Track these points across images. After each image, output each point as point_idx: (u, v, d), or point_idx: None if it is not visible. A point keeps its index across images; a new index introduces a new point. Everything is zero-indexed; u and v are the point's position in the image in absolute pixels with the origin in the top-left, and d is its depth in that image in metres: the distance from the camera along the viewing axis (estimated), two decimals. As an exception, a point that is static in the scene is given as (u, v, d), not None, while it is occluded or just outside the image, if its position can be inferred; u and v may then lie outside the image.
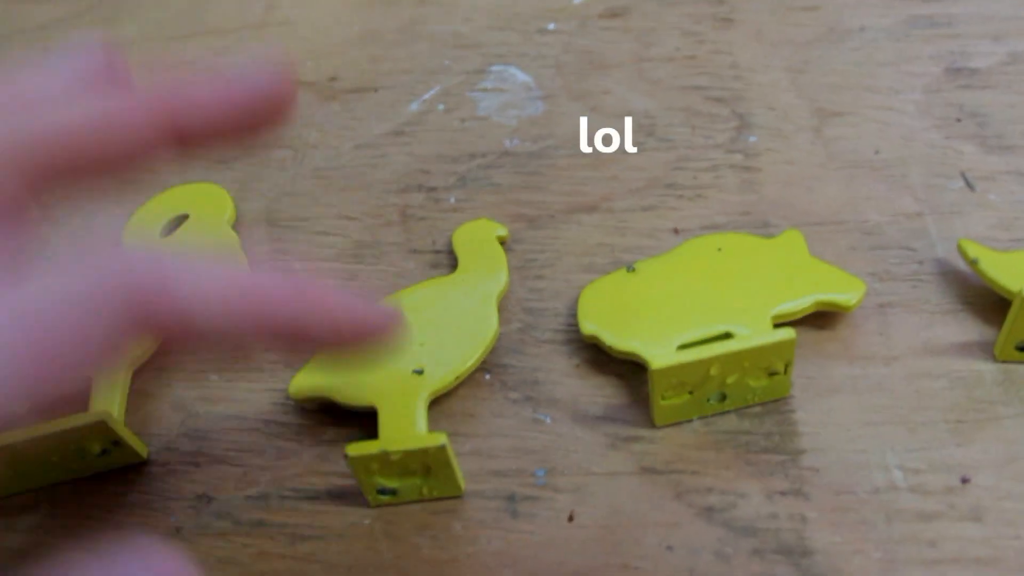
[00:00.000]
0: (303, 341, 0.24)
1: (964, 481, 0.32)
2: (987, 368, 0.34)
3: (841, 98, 0.42)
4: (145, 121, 0.23)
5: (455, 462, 0.32)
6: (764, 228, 0.38)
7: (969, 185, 0.39)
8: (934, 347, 0.35)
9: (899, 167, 0.40)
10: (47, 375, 0.20)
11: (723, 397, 0.34)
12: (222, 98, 0.24)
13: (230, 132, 0.25)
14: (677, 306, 0.35)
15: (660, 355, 0.32)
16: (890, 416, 0.34)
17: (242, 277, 0.22)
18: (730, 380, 0.33)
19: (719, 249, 0.37)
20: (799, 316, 0.35)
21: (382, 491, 0.33)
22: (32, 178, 0.22)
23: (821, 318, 0.36)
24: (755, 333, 0.33)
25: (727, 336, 0.34)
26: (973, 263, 0.34)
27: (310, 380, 0.35)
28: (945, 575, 0.30)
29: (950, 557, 0.31)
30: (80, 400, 0.33)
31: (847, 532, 0.31)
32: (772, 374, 0.33)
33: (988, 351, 0.34)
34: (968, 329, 0.35)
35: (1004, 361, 0.34)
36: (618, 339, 0.34)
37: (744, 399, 0.34)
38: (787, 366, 0.33)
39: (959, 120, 0.41)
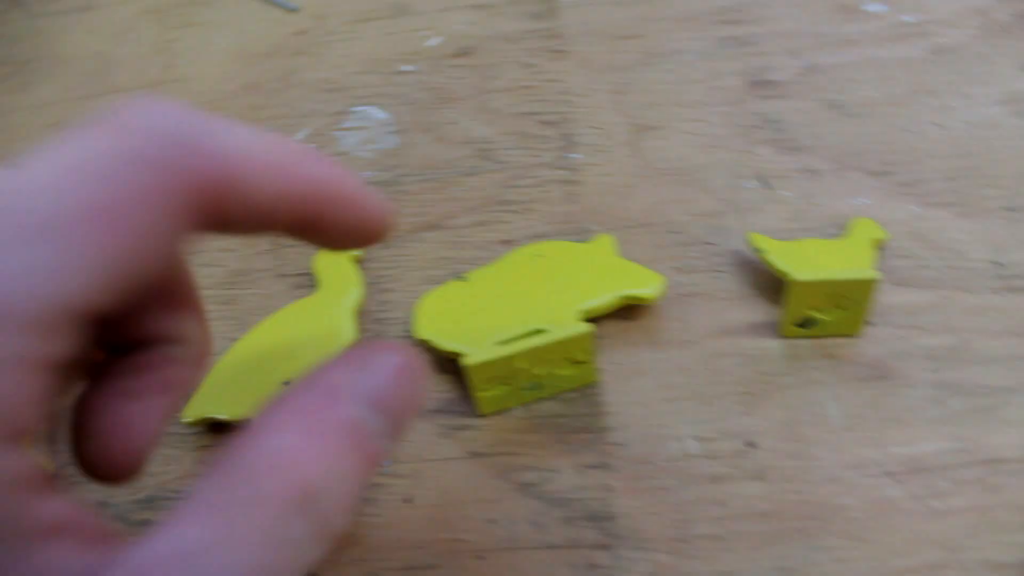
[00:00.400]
0: (326, 216, 0.22)
1: (750, 445, 0.35)
2: (773, 345, 0.38)
3: (656, 114, 0.46)
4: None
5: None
6: (582, 234, 0.42)
7: (765, 184, 0.42)
8: (728, 329, 0.38)
9: (704, 172, 0.43)
10: (122, 242, 0.18)
11: (538, 386, 0.36)
12: (358, 203, 0.23)
13: (337, 239, 0.23)
14: (500, 309, 0.38)
15: (474, 353, 0.35)
16: (687, 392, 0.37)
17: (275, 137, 0.21)
18: (539, 371, 0.36)
19: (539, 256, 0.40)
20: (607, 311, 0.38)
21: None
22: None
23: (629, 310, 0.39)
24: (559, 326, 0.36)
25: (539, 333, 0.36)
26: (760, 253, 0.38)
27: (199, 408, 0.38)
28: (731, 528, 0.33)
29: (736, 513, 0.34)
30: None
31: (646, 497, 0.34)
32: (577, 363, 0.36)
33: (775, 330, 0.38)
34: (759, 312, 0.39)
35: (788, 338, 0.37)
36: (444, 341, 0.37)
37: (557, 387, 0.37)
38: (590, 356, 0.36)
39: (758, 127, 0.45)
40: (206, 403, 0.37)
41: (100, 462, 0.22)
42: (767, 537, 0.33)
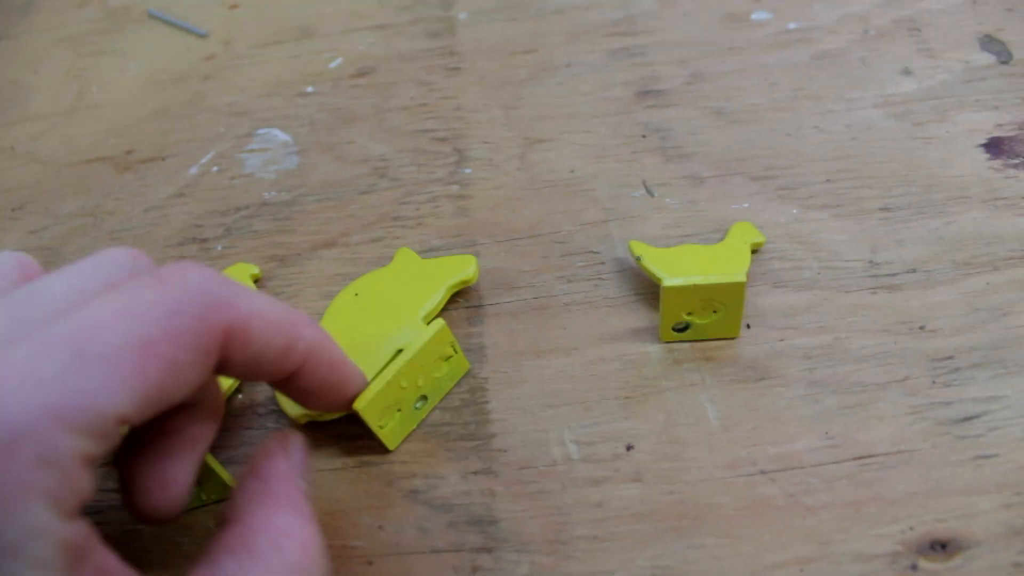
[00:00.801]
0: (312, 375, 0.29)
1: (628, 448, 0.35)
2: (654, 349, 0.38)
3: (546, 127, 0.46)
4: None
5: (218, 467, 0.35)
6: (473, 246, 0.42)
7: (649, 192, 0.43)
8: (610, 335, 0.38)
9: (590, 182, 0.43)
10: (157, 376, 0.23)
11: (424, 398, 0.36)
12: (339, 369, 0.31)
13: (316, 397, 0.31)
14: (358, 347, 0.37)
15: (360, 397, 0.35)
16: (568, 399, 0.37)
17: (279, 303, 0.27)
18: (420, 382, 0.36)
19: (356, 294, 0.39)
20: (443, 305, 0.38)
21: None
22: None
23: (513, 318, 0.40)
24: (415, 337, 0.36)
25: (400, 352, 0.36)
26: (638, 260, 0.38)
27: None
28: (609, 529, 0.33)
29: (614, 514, 0.34)
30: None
31: (527, 501, 0.34)
32: (448, 359, 0.37)
33: (656, 335, 0.38)
34: (640, 317, 0.39)
35: (667, 342, 0.38)
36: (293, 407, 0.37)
37: (440, 390, 0.37)
38: (455, 347, 0.36)
39: (644, 136, 0.45)
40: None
41: (147, 510, 0.27)
42: (644, 537, 0.33)
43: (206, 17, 0.56)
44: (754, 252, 0.39)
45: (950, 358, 0.35)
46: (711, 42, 0.48)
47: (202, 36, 0.54)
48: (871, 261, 0.38)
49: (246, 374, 0.28)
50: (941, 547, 0.31)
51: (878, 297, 0.37)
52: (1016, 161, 0.41)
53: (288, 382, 0.29)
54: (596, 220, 0.41)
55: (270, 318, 0.26)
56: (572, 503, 0.34)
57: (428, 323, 0.36)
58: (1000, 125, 0.42)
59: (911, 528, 0.32)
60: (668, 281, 0.35)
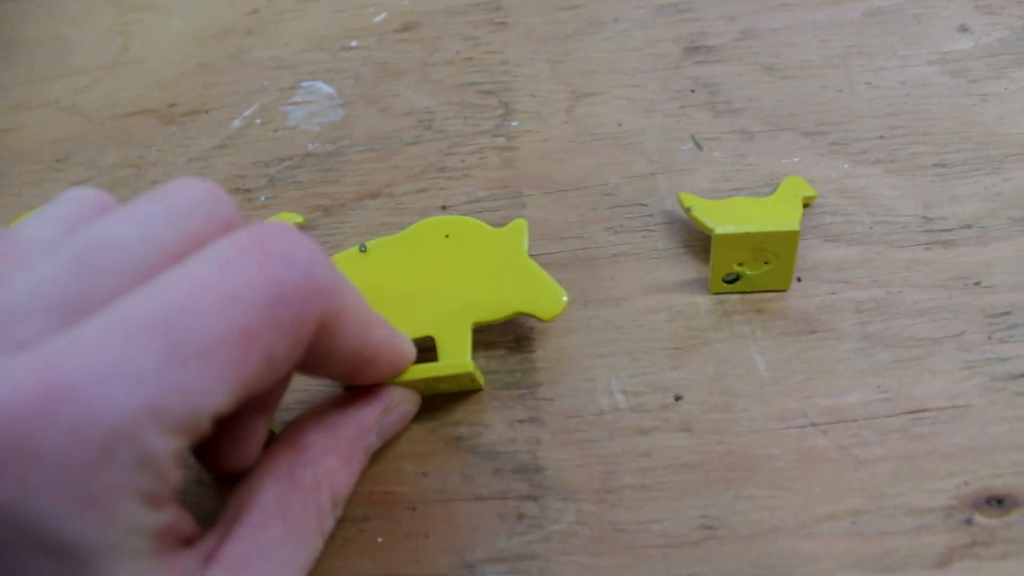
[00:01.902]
0: (368, 375, 0.30)
1: (677, 399, 0.35)
2: (703, 301, 0.37)
3: (593, 81, 0.45)
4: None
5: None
6: (519, 197, 0.41)
7: (698, 145, 0.42)
8: (658, 287, 0.38)
9: (638, 136, 0.42)
10: (255, 370, 0.22)
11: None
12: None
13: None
14: (391, 292, 0.35)
15: None
16: (616, 349, 0.36)
17: (362, 297, 0.27)
18: (424, 389, 0.34)
19: (447, 235, 0.36)
20: (499, 322, 0.35)
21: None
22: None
23: (564, 270, 0.39)
24: (453, 342, 0.34)
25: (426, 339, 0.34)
26: (687, 211, 0.37)
27: None
28: (656, 479, 0.33)
29: (662, 464, 0.33)
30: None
31: (574, 450, 0.34)
32: (460, 383, 0.34)
33: (705, 287, 0.37)
34: (689, 269, 0.38)
35: (717, 294, 0.37)
36: None
37: (440, 391, 0.35)
38: (473, 380, 0.34)
39: (693, 91, 0.44)
40: None
41: (222, 466, 0.27)
42: (692, 487, 0.32)
43: (249, -26, 0.55)
44: (805, 206, 0.38)
45: (1007, 314, 0.34)
46: (760, -1, 0.46)
47: (241, -8, 0.53)
48: (925, 216, 0.37)
49: (311, 368, 0.27)
50: (997, 502, 0.31)
51: (932, 253, 0.36)
52: (1075, 119, 0.40)
53: (346, 377, 0.29)
54: (644, 173, 0.40)
55: (358, 314, 0.25)
56: (619, 452, 0.33)
57: (473, 330, 0.34)
58: (1059, 83, 0.41)
59: (966, 483, 0.31)
60: (720, 230, 0.34)
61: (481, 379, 0.35)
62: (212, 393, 0.21)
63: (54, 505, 0.19)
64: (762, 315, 0.36)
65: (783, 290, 0.36)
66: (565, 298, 0.34)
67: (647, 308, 0.36)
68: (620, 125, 0.43)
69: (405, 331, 0.34)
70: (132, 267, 0.22)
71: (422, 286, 0.36)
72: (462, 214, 0.40)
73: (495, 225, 0.37)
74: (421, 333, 0.34)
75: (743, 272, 0.35)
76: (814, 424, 0.33)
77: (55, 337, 0.20)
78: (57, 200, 0.26)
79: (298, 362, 0.24)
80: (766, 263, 0.35)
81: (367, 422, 0.30)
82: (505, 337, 0.37)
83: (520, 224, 0.37)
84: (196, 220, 0.23)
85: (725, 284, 0.36)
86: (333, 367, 0.27)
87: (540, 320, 0.35)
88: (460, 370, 0.33)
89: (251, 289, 0.21)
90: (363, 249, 0.37)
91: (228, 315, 0.21)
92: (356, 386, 0.32)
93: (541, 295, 0.35)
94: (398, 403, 0.32)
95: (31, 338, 0.20)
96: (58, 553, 0.20)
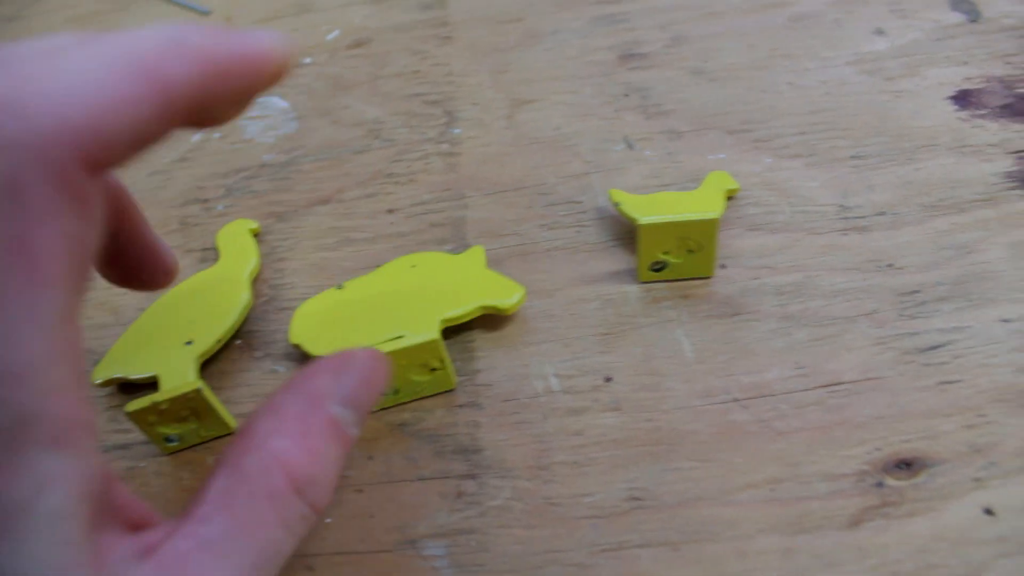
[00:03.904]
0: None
1: (607, 380, 0.36)
2: (632, 289, 0.39)
3: (532, 89, 0.47)
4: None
5: (218, 404, 0.36)
6: (461, 199, 0.43)
7: (629, 146, 0.44)
8: (590, 277, 0.40)
9: (574, 138, 0.45)
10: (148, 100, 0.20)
11: (396, 391, 0.37)
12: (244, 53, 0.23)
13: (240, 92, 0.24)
14: (368, 317, 0.38)
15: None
16: (550, 336, 0.38)
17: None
18: (395, 377, 0.36)
19: (413, 266, 0.39)
20: (467, 319, 0.37)
21: (168, 439, 0.37)
22: None
23: (501, 265, 0.41)
24: (412, 336, 0.35)
25: (399, 337, 0.36)
26: (617, 206, 0.39)
27: (109, 369, 0.38)
28: (588, 455, 0.34)
29: (593, 441, 0.35)
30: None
31: (511, 431, 0.36)
32: (433, 370, 0.37)
33: (634, 277, 0.39)
34: (619, 261, 0.40)
35: (645, 282, 0.39)
36: (313, 347, 0.37)
37: (415, 392, 0.36)
38: (443, 362, 0.35)
39: (626, 96, 0.46)
40: (116, 365, 0.38)
41: (145, 277, 0.29)
42: (621, 461, 0.34)
43: (210, -3, 0.57)
44: (729, 199, 0.40)
45: (916, 292, 0.36)
46: (692, 7, 0.49)
47: (205, 14, 0.55)
48: (842, 205, 0.40)
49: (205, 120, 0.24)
50: (906, 465, 0.32)
51: (848, 238, 0.38)
52: (983, 112, 0.42)
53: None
54: (579, 172, 0.43)
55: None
56: (553, 431, 0.35)
57: (442, 328, 0.36)
58: (968, 79, 0.43)
59: (877, 449, 0.33)
60: (644, 219, 0.36)
61: (454, 378, 0.37)
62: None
63: None
64: (688, 300, 0.38)
65: (708, 277, 0.38)
66: (522, 291, 0.37)
67: (579, 298, 0.38)
68: (557, 129, 0.45)
69: (378, 335, 0.36)
70: None
71: (394, 301, 0.38)
72: (407, 216, 0.42)
73: (454, 251, 0.40)
74: (393, 332, 0.37)
75: (668, 260, 0.37)
76: (735, 400, 0.35)
77: None
78: None
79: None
80: (690, 251, 0.37)
81: (315, 391, 0.26)
82: (447, 330, 0.38)
83: (478, 248, 0.40)
84: None
85: (653, 273, 0.38)
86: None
87: (501, 312, 0.38)
88: (427, 338, 0.35)
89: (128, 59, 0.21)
90: (340, 287, 0.40)
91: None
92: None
93: (501, 290, 0.38)
94: (353, 365, 0.27)
95: None
96: None
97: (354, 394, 0.27)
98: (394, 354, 0.35)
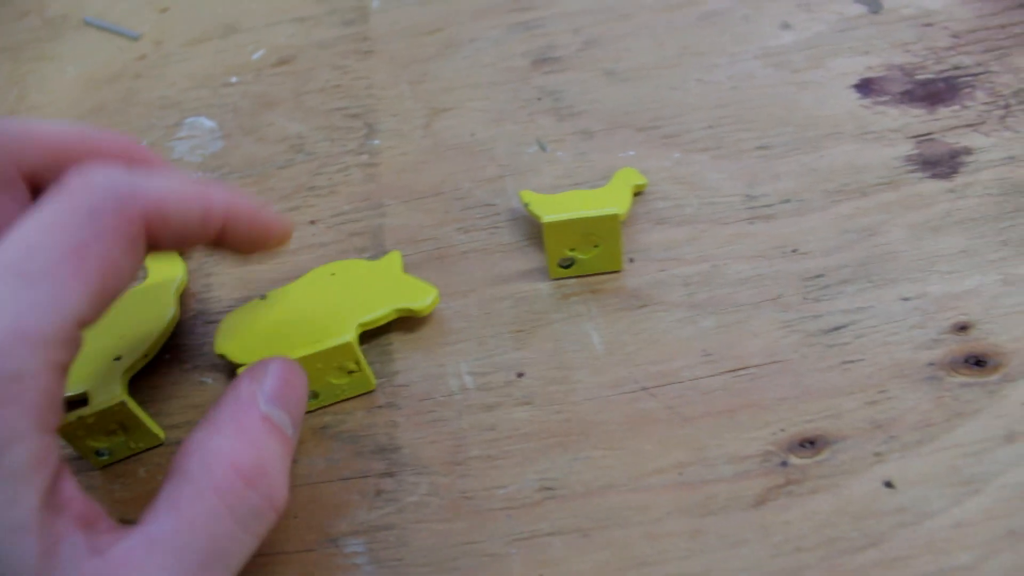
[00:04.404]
0: (236, 230, 0.29)
1: (519, 376, 0.37)
2: (544, 287, 0.40)
3: (450, 98, 0.48)
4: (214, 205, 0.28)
5: (144, 416, 0.37)
6: (380, 208, 0.44)
7: (542, 148, 0.45)
8: (503, 277, 0.40)
9: (489, 144, 0.45)
10: (98, 274, 0.24)
11: (315, 395, 0.38)
12: (258, 218, 0.30)
13: (248, 247, 0.30)
14: (291, 326, 0.39)
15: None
16: (465, 336, 0.39)
17: (187, 179, 0.27)
18: (314, 381, 0.37)
19: (332, 274, 0.39)
20: (384, 322, 0.38)
21: (99, 453, 0.37)
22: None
23: (419, 269, 0.41)
24: (326, 340, 0.36)
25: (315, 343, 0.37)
26: (527, 207, 0.40)
27: None
28: (501, 449, 0.35)
29: (505, 435, 0.35)
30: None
31: (427, 429, 0.36)
32: (351, 372, 0.37)
33: (546, 274, 0.40)
34: (532, 259, 0.40)
35: (556, 279, 0.40)
36: (238, 356, 0.38)
37: (335, 395, 0.37)
38: (359, 364, 0.36)
39: (540, 99, 0.47)
40: None
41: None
42: (533, 453, 0.35)
43: (139, 21, 0.58)
44: (638, 194, 0.41)
45: (820, 276, 0.37)
46: (604, 9, 0.50)
47: (134, 39, 0.56)
48: (748, 195, 0.40)
49: (178, 246, 0.28)
50: (810, 444, 0.33)
51: (754, 226, 0.39)
52: (884, 99, 0.43)
53: (219, 242, 0.29)
54: (493, 176, 0.43)
55: (181, 193, 0.26)
56: (468, 428, 0.36)
57: (359, 332, 0.36)
58: (870, 68, 0.44)
59: (782, 430, 0.34)
60: (547, 218, 0.37)
61: (372, 379, 0.38)
62: (65, 302, 0.23)
63: None
64: (597, 295, 0.38)
65: (617, 271, 0.39)
66: (435, 292, 0.38)
67: (493, 297, 0.39)
68: (473, 135, 0.45)
69: (299, 342, 0.37)
70: None
71: (314, 309, 0.39)
72: (328, 227, 0.43)
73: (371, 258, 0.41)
74: (313, 338, 0.37)
75: (576, 256, 0.38)
76: (644, 388, 0.35)
77: None
78: None
79: (141, 253, 0.26)
80: (596, 247, 0.38)
81: (241, 395, 0.29)
82: (365, 334, 0.39)
83: (394, 254, 0.41)
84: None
85: (562, 269, 0.39)
86: (196, 238, 0.28)
87: (416, 314, 0.38)
88: (340, 342, 0.36)
89: (69, 215, 0.24)
90: (263, 298, 0.40)
91: (56, 240, 0.23)
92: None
93: (415, 293, 0.39)
94: (269, 369, 0.30)
95: None
96: None
97: (278, 393, 0.29)
98: (311, 358, 0.36)
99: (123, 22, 0.58)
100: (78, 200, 0.24)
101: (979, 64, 0.43)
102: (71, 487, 0.24)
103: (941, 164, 0.40)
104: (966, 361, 0.34)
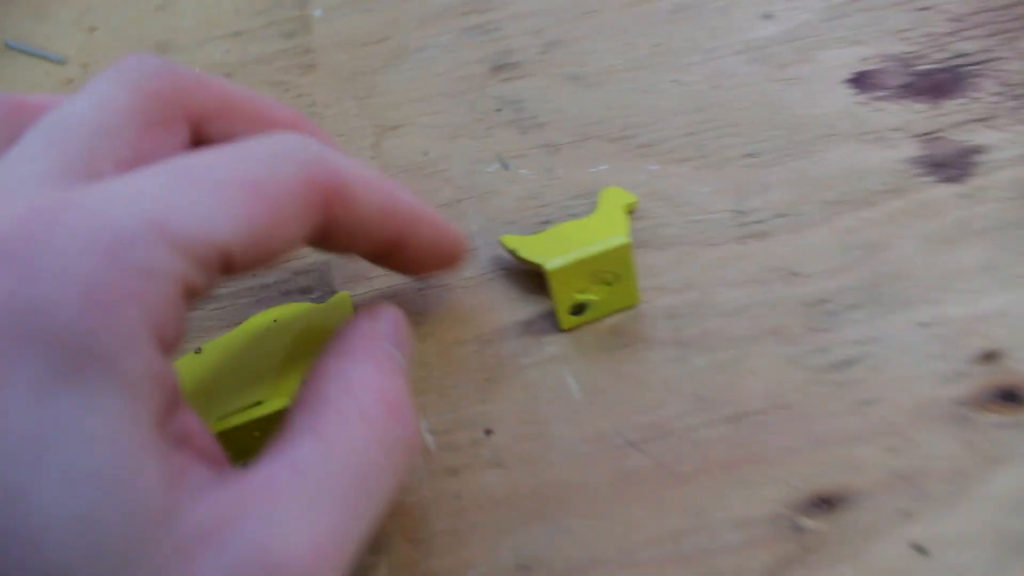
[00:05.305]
0: (416, 238, 0.27)
1: (487, 432, 0.31)
2: (511, 326, 0.34)
3: (399, 113, 0.42)
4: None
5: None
6: (323, 241, 0.38)
7: (504, 166, 0.39)
8: (465, 317, 0.35)
9: (443, 163, 0.40)
10: (265, 216, 0.21)
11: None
12: (443, 231, 0.29)
13: (417, 264, 0.29)
14: (226, 381, 0.33)
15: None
16: (424, 387, 0.33)
17: (374, 168, 0.26)
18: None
19: (274, 320, 0.35)
20: None
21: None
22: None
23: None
24: (268, 405, 0.31)
25: (258, 405, 0.32)
26: (514, 254, 0.34)
27: None
28: (469, 520, 0.30)
29: (474, 504, 0.30)
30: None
31: (384, 501, 0.30)
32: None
33: (513, 310, 0.34)
34: (497, 296, 0.35)
35: (569, 330, 0.34)
36: None
37: None
38: None
39: (499, 110, 0.41)
40: None
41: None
42: (506, 525, 0.30)
43: (65, 43, 0.52)
44: (631, 213, 0.35)
45: (825, 301, 0.32)
46: (565, 8, 0.44)
47: (59, 62, 0.50)
48: (737, 210, 0.35)
49: (351, 240, 0.25)
50: (825, 503, 0.28)
51: (746, 247, 0.34)
52: (883, 94, 0.37)
53: (388, 252, 0.27)
54: (450, 200, 0.38)
55: (369, 180, 0.25)
56: (430, 497, 0.31)
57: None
58: (865, 59, 0.39)
59: (792, 487, 0.29)
60: (550, 263, 0.31)
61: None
62: (221, 221, 0.20)
63: (57, 294, 0.18)
64: (572, 334, 0.33)
65: (635, 305, 0.34)
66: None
67: (454, 340, 0.34)
68: (426, 154, 0.40)
69: (236, 401, 0.32)
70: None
71: (254, 362, 0.33)
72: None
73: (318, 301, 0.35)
74: (252, 397, 0.32)
75: (589, 299, 0.32)
76: (630, 443, 0.30)
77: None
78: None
79: (312, 227, 0.23)
80: (608, 284, 0.32)
81: (368, 332, 0.27)
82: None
83: (343, 295, 0.36)
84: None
85: (574, 317, 0.33)
86: (376, 235, 0.26)
87: None
88: (276, 407, 0.31)
89: (254, 152, 0.22)
90: (198, 351, 0.35)
91: (234, 166, 0.21)
92: None
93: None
94: (383, 312, 0.28)
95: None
96: (56, 348, 0.18)
97: (395, 334, 0.27)
98: (255, 423, 0.30)
99: (48, 45, 0.52)
100: (270, 146, 0.22)
101: (984, 50, 0.37)
102: (194, 420, 0.22)
103: (951, 166, 0.34)
104: (997, 396, 0.28)
